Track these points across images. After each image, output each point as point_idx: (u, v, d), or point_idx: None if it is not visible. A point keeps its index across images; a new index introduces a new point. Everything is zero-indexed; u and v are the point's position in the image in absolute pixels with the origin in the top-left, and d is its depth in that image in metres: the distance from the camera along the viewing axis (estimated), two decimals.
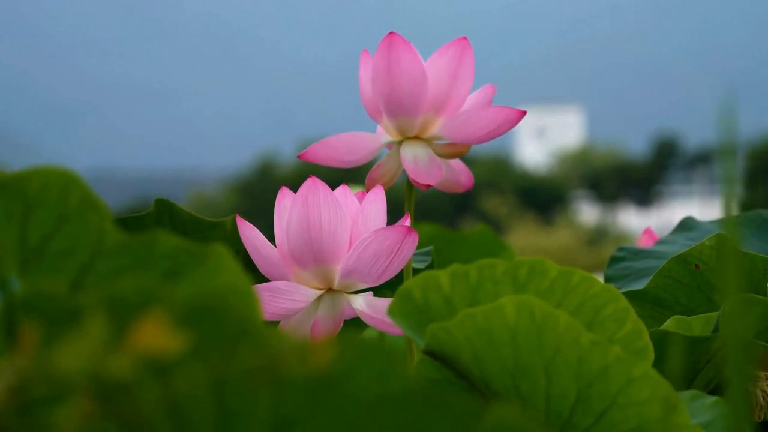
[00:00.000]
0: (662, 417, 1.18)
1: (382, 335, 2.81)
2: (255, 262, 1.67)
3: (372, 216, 1.65)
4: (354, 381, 0.79)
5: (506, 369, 1.21)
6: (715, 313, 1.68)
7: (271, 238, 1.69)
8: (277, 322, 1.67)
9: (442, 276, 1.30)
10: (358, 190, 1.79)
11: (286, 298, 1.62)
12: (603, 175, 76.27)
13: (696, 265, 1.91)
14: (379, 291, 1.73)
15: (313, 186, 1.61)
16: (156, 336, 0.78)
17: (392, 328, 1.61)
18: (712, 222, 2.31)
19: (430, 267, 2.15)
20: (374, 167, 1.85)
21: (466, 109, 1.82)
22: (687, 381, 1.63)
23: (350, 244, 1.64)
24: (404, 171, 1.82)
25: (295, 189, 1.65)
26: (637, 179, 77.26)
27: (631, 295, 1.95)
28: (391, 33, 1.78)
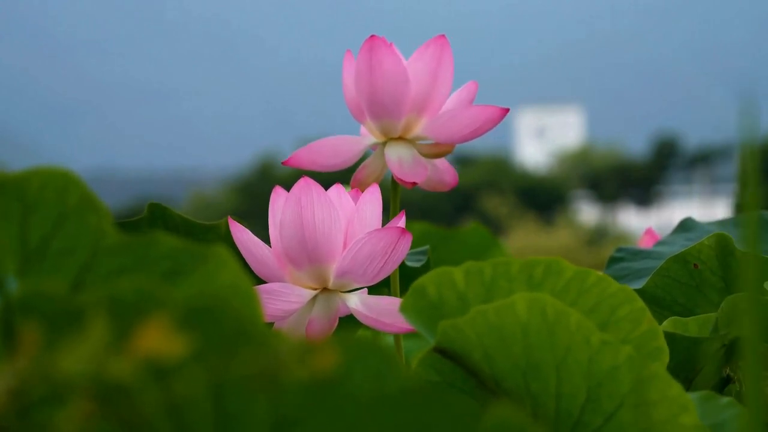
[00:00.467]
0: (672, 418, 1.17)
1: (376, 334, 2.81)
2: (248, 264, 1.67)
3: (367, 216, 1.64)
4: (352, 381, 0.79)
5: (517, 367, 1.20)
6: (712, 314, 1.67)
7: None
8: (272, 324, 1.66)
9: (457, 273, 1.29)
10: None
11: (281, 299, 1.62)
12: (603, 175, 76.25)
13: (695, 264, 1.91)
14: (373, 288, 1.74)
15: (306, 186, 1.60)
16: (157, 339, 0.78)
17: (387, 326, 1.61)
18: (711, 223, 2.31)
19: (425, 266, 2.15)
20: (359, 168, 1.86)
21: (449, 109, 1.82)
22: (687, 382, 1.62)
23: (345, 243, 1.63)
24: (389, 171, 1.83)
25: None
26: (637, 179, 77.24)
27: None
28: (372, 36, 1.78)
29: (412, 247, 2.08)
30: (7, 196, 1.04)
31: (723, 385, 1.62)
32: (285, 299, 1.62)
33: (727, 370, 1.62)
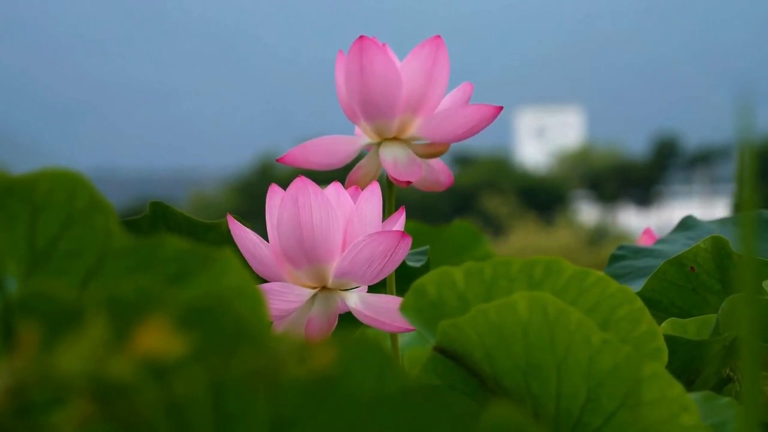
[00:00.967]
0: (672, 418, 1.17)
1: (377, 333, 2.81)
2: (248, 262, 1.66)
3: (367, 214, 1.63)
4: (352, 381, 0.79)
5: (518, 367, 1.20)
6: (711, 315, 1.68)
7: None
8: (271, 323, 1.65)
9: (457, 272, 1.30)
10: None
11: (280, 298, 1.62)
12: (603, 175, 76.24)
13: (691, 267, 1.91)
14: (371, 286, 1.73)
15: (303, 186, 1.60)
16: (156, 338, 0.78)
17: (386, 325, 1.61)
18: (712, 222, 2.31)
19: (425, 266, 2.16)
20: (354, 169, 1.86)
21: (443, 109, 1.82)
22: (688, 383, 1.62)
23: (344, 242, 1.63)
24: (384, 171, 1.83)
25: None
26: (637, 179, 77.22)
27: None
28: (361, 36, 1.78)
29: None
30: (15, 197, 1.04)
31: (722, 386, 1.62)
32: (284, 298, 1.62)
33: (727, 371, 1.62)
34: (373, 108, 1.80)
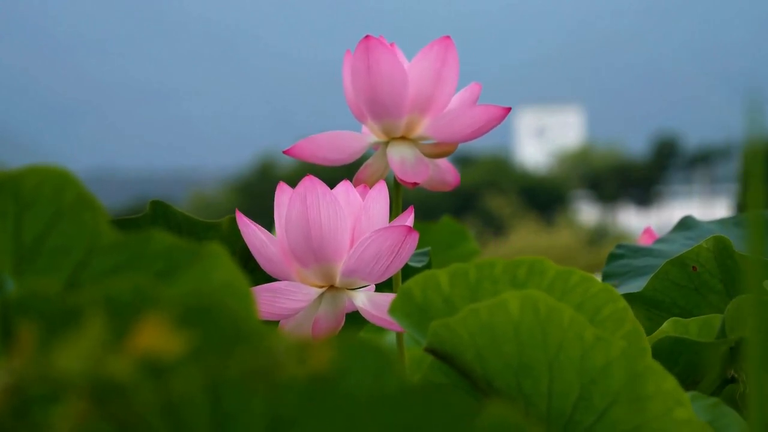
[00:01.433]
0: (666, 412, 1.16)
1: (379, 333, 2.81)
2: (256, 259, 1.66)
3: (375, 213, 1.63)
4: (350, 381, 0.79)
5: (509, 366, 1.20)
6: (713, 315, 1.67)
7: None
8: (278, 322, 1.66)
9: (442, 275, 1.30)
10: None
11: (288, 298, 1.61)
12: (603, 175, 76.27)
13: (693, 267, 1.91)
14: (380, 285, 1.73)
15: (311, 185, 1.59)
16: (154, 337, 0.78)
17: (394, 325, 1.58)
18: (711, 222, 2.31)
19: (427, 267, 2.15)
20: (362, 168, 1.85)
21: (452, 109, 1.81)
22: (693, 385, 1.62)
23: (352, 240, 1.63)
24: (391, 170, 1.82)
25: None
26: (637, 179, 77.27)
27: (627, 297, 1.95)
28: (367, 36, 1.77)
29: None
30: (2, 193, 1.04)
31: (723, 386, 1.62)
32: (292, 297, 1.61)
33: (732, 372, 1.61)
34: (379, 107, 1.79)
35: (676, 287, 1.93)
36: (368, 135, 1.86)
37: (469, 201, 58.97)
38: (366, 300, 1.65)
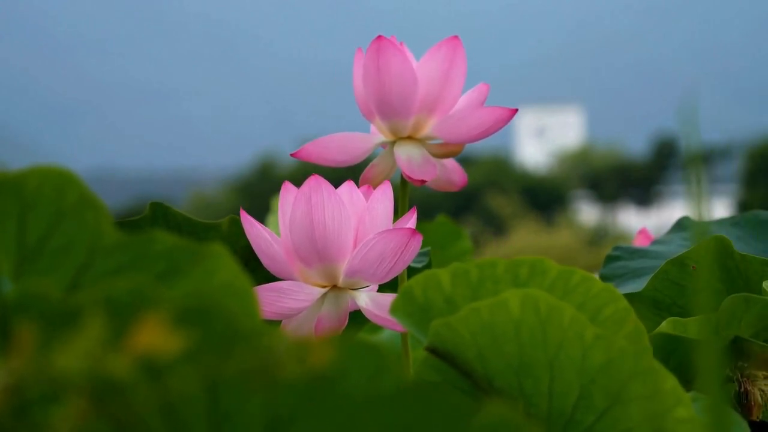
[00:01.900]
0: (666, 411, 1.16)
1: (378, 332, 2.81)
2: (260, 258, 1.66)
3: (379, 213, 1.64)
4: (347, 381, 0.79)
5: (510, 366, 1.19)
6: (713, 315, 1.65)
7: None
8: (280, 322, 1.66)
9: (443, 275, 1.29)
10: None
11: (291, 297, 1.61)
12: (603, 175, 76.27)
13: (693, 266, 1.91)
14: (381, 286, 1.73)
15: (316, 185, 1.59)
16: (153, 336, 0.78)
17: (397, 325, 1.59)
18: (708, 222, 2.31)
19: (427, 267, 2.16)
20: (368, 167, 1.86)
21: (459, 109, 1.82)
22: (686, 383, 1.61)
23: (356, 241, 1.63)
24: (397, 170, 1.82)
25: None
26: (637, 179, 77.25)
27: (627, 297, 1.95)
28: (379, 36, 1.78)
29: None
30: (5, 194, 1.03)
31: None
32: (294, 297, 1.61)
33: (726, 371, 1.61)
34: (388, 107, 1.80)
35: (676, 287, 1.93)
36: (375, 135, 1.86)
37: (469, 201, 58.97)
38: (369, 300, 1.65)
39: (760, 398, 1.58)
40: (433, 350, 1.23)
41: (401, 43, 1.81)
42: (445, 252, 3.06)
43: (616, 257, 2.14)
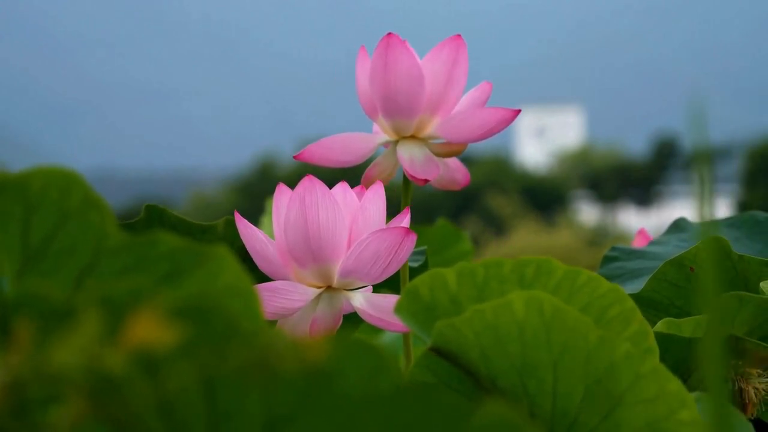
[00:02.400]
0: (670, 414, 1.16)
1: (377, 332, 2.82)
2: (253, 259, 1.66)
3: (372, 214, 1.64)
4: (345, 380, 0.79)
5: (514, 366, 1.19)
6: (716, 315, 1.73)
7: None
8: (275, 322, 1.66)
9: (449, 274, 1.29)
10: None
11: (285, 297, 1.61)
12: (603, 175, 76.28)
13: (691, 267, 1.91)
14: (377, 286, 1.74)
15: (311, 185, 1.60)
16: (149, 331, 0.78)
17: (392, 325, 1.60)
18: (713, 223, 2.31)
19: (423, 266, 2.17)
20: (370, 166, 1.85)
21: (462, 109, 1.82)
22: (682, 381, 1.56)
23: (350, 241, 1.63)
24: (400, 169, 1.82)
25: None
26: (637, 179, 77.27)
27: None
28: (389, 34, 1.78)
29: None
30: (9, 195, 1.03)
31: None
32: (289, 297, 1.61)
33: None
34: (395, 106, 1.80)
35: (674, 287, 1.93)
36: (377, 135, 1.86)
37: (469, 201, 58.97)
38: (363, 300, 1.65)
39: (754, 396, 1.59)
40: (436, 350, 1.23)
41: (404, 41, 1.80)
42: (446, 254, 3.08)
43: (613, 258, 2.14)
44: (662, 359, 1.59)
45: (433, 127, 1.83)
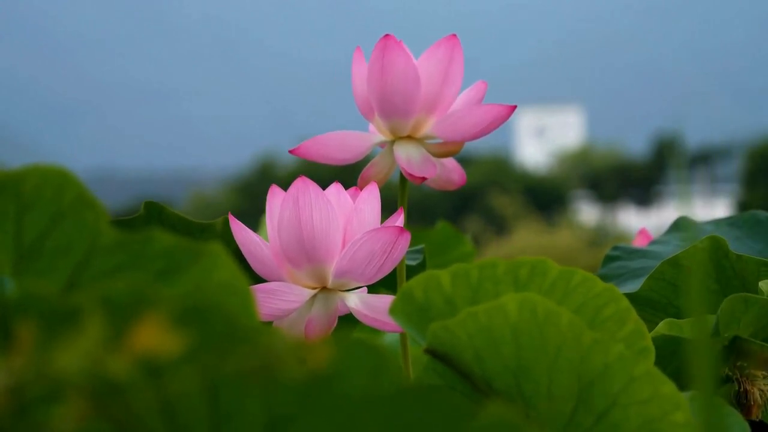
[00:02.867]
0: (664, 415, 1.16)
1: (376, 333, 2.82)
2: (248, 261, 1.66)
3: (366, 214, 1.63)
4: (347, 381, 0.79)
5: (508, 368, 1.19)
6: (708, 316, 1.66)
7: None
8: (271, 322, 1.66)
9: (444, 276, 1.29)
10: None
11: (280, 298, 1.61)
12: (603, 175, 76.27)
13: (687, 267, 1.90)
14: (373, 287, 1.74)
15: (304, 186, 1.60)
16: (152, 337, 0.78)
17: (387, 326, 1.60)
18: (706, 222, 2.32)
19: (421, 264, 2.17)
20: (367, 166, 1.85)
21: (458, 108, 1.82)
22: (686, 383, 1.61)
23: (344, 242, 1.63)
24: (396, 169, 1.83)
25: None
26: (637, 179, 77.25)
27: None
28: (386, 35, 1.78)
29: None
30: (3, 193, 1.03)
31: (719, 386, 1.62)
32: (284, 298, 1.61)
33: (726, 371, 1.62)
34: (391, 106, 1.80)
35: (672, 287, 1.93)
36: (374, 134, 1.86)
37: (468, 201, 58.96)
38: (358, 301, 1.65)
39: (759, 398, 1.59)
40: (432, 352, 1.23)
41: (400, 42, 1.80)
42: (447, 257, 3.09)
43: (615, 257, 2.14)
44: (668, 361, 1.59)
45: (429, 126, 1.83)
